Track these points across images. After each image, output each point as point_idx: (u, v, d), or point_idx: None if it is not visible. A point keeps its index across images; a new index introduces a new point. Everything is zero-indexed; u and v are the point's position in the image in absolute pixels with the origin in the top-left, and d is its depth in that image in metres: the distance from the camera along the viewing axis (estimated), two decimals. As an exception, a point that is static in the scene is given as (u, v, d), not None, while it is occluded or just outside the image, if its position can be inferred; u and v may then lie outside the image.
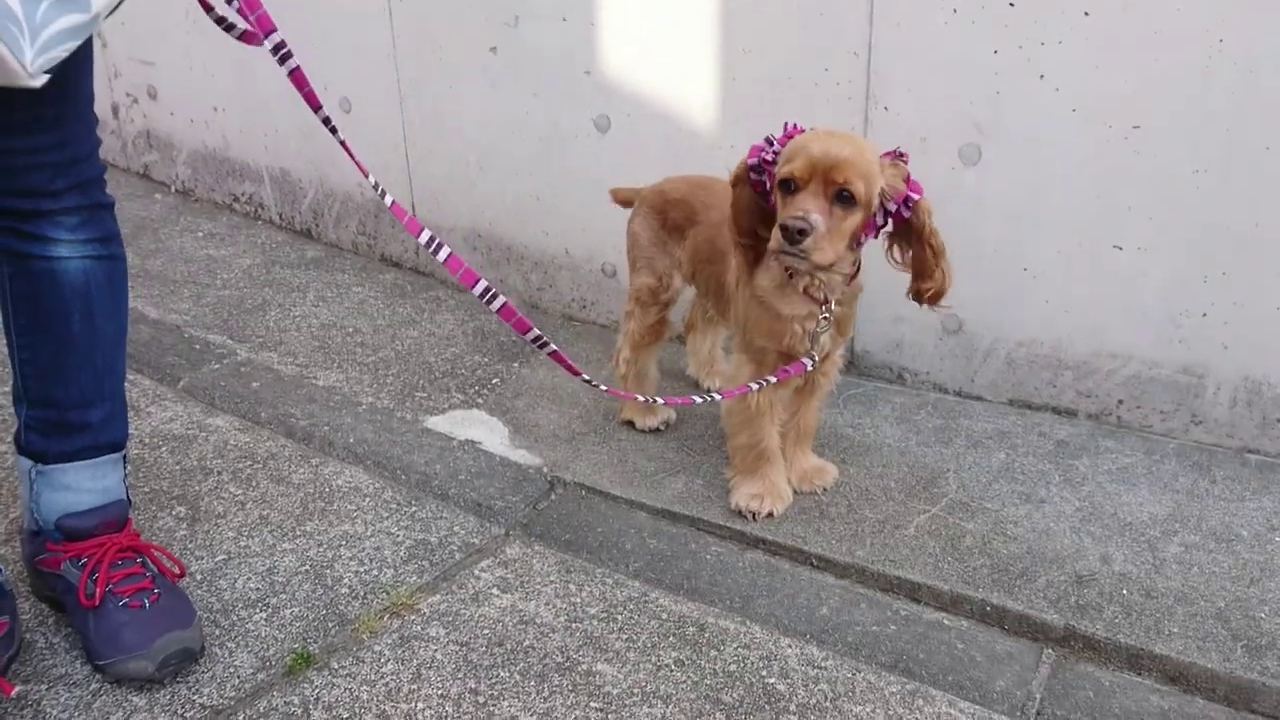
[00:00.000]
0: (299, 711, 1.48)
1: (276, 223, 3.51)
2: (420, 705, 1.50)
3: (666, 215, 2.13)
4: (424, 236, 1.54)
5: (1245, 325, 2.03)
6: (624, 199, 2.27)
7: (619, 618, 1.70)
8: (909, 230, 1.71)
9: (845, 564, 1.80)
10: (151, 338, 2.63)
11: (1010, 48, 2.06)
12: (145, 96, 3.69)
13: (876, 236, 1.76)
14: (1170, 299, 2.08)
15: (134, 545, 1.62)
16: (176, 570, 1.66)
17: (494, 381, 2.52)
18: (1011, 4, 2.03)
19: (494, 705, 1.50)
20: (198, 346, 2.60)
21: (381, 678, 1.55)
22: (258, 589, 1.74)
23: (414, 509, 2.00)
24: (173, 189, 3.78)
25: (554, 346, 1.61)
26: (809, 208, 1.61)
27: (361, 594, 1.74)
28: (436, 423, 2.31)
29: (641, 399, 1.90)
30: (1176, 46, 1.91)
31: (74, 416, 1.58)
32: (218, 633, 1.63)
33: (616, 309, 2.80)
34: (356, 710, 1.48)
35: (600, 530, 1.94)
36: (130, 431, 2.18)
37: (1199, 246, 2.02)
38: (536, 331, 1.58)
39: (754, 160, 1.74)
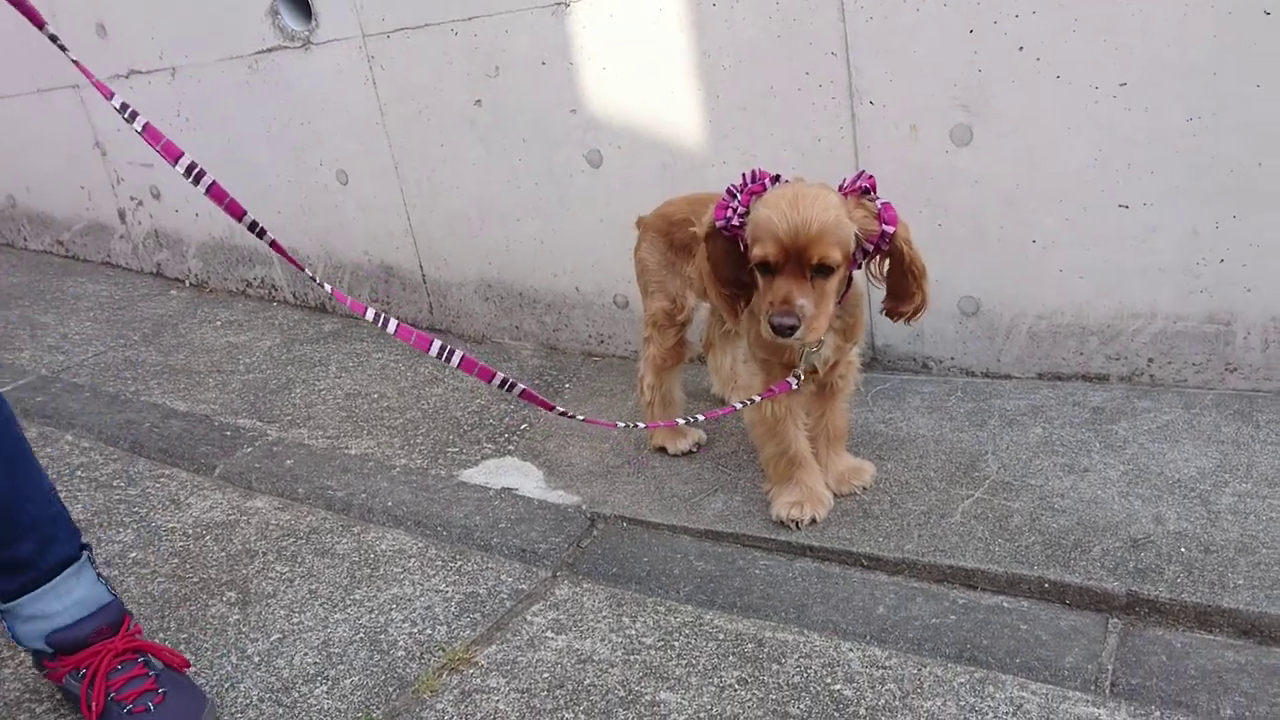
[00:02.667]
0: (370, 779, 1.48)
1: (291, 302, 3.56)
2: (489, 757, 1.49)
3: (671, 236, 2.14)
4: (369, 314, 1.56)
5: (1265, 265, 2.00)
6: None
7: (676, 644, 1.69)
8: (889, 254, 1.71)
9: (896, 560, 1.78)
10: (183, 430, 2.67)
11: (985, 24, 2.07)
12: (149, 197, 3.76)
13: (859, 267, 1.76)
14: (1185, 250, 2.06)
15: (132, 646, 1.61)
16: (180, 663, 1.65)
17: (523, 427, 2.52)
18: (980, -18, 2.04)
19: (563, 748, 1.49)
20: (229, 433, 2.63)
21: (448, 735, 1.55)
22: (315, 663, 1.75)
23: (459, 563, 2.00)
24: (187, 283, 3.84)
25: (522, 386, 1.62)
26: (793, 296, 1.60)
27: (418, 654, 1.74)
28: (471, 475, 2.31)
29: (622, 425, 1.89)
30: (1151, -1, 1.91)
31: (4, 559, 1.54)
32: (281, 712, 1.63)
33: (634, 340, 2.81)
34: (427, 771, 1.48)
35: (646, 560, 1.93)
36: (173, 525, 2.22)
37: (1205, 193, 2.00)
38: (501, 375, 1.59)
39: (721, 222, 1.72)
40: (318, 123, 3.14)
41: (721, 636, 1.69)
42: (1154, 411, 2.09)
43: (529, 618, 1.81)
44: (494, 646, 1.74)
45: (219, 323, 3.48)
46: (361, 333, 3.26)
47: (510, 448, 2.43)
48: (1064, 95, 2.04)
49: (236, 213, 1.47)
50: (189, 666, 1.69)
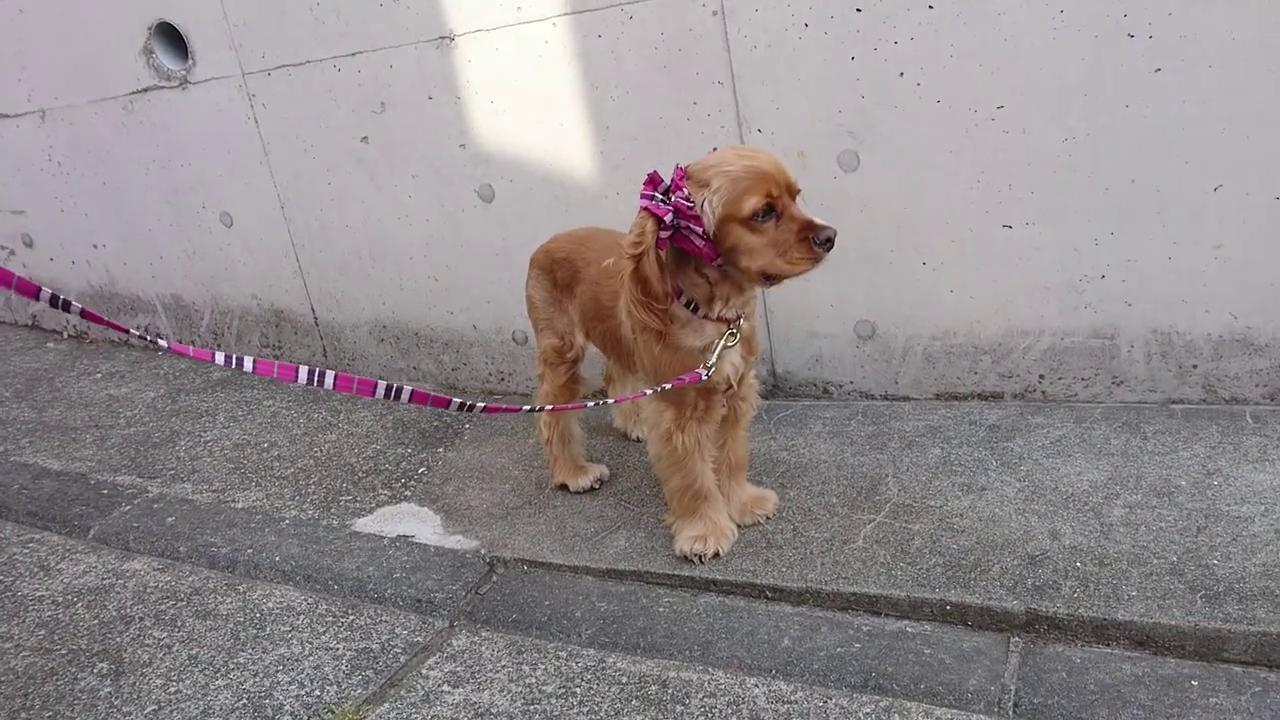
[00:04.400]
0: None
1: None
2: (379, 826, 1.40)
3: (555, 275, 2.10)
4: (301, 375, 1.49)
5: (1143, 280, 2.05)
6: None
7: (578, 690, 1.62)
8: None
9: (799, 590, 1.75)
10: (56, 490, 2.51)
11: (866, 51, 2.09)
12: (21, 246, 3.58)
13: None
14: (1067, 267, 2.10)
15: None
16: None
17: (420, 471, 2.44)
18: (859, 9, 2.06)
19: (458, 810, 1.41)
20: (105, 491, 2.48)
21: (335, 805, 1.45)
22: (193, 736, 1.63)
23: (351, 617, 1.91)
24: (65, 335, 3.65)
25: (482, 404, 1.61)
26: (810, 219, 1.63)
27: (304, 718, 1.64)
28: (365, 524, 2.22)
29: (527, 409, 1.84)
30: (1020, 24, 1.95)
31: None
32: (154, 791, 1.52)
33: (534, 375, 2.75)
34: (311, 846, 1.38)
35: (548, 603, 1.87)
36: (40, 593, 2.07)
37: (1083, 212, 2.05)
38: (458, 400, 1.55)
39: (668, 216, 1.64)
40: (199, 164, 3.02)
41: (625, 680, 1.63)
42: (1047, 427, 2.12)
43: (424, 671, 1.73)
44: (386, 705, 1.65)
45: (99, 375, 3.30)
46: (251, 380, 3.13)
47: (407, 493, 2.34)
48: (945, 119, 2.08)
49: (29, 291, 1.35)
50: None
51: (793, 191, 1.66)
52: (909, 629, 1.64)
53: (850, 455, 2.15)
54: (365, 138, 2.71)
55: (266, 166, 2.90)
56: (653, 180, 1.68)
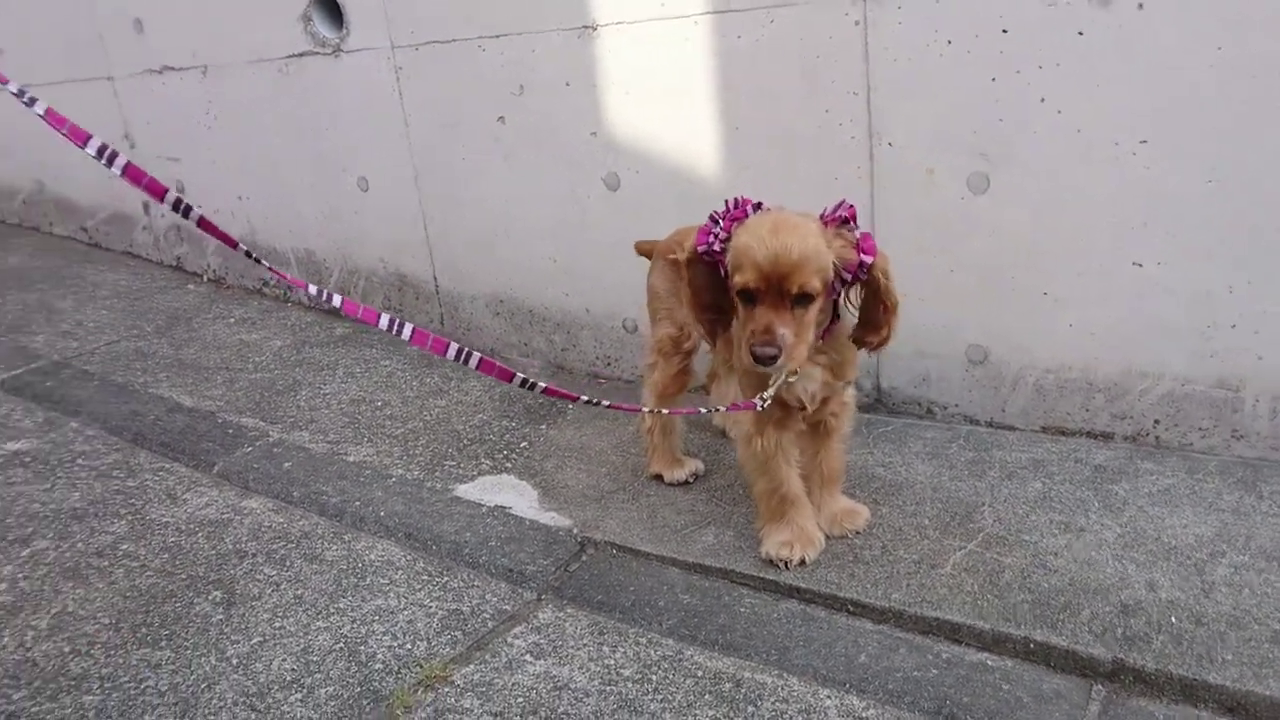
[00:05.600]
0: (335, 794, 1.47)
1: (305, 304, 3.58)
2: (456, 780, 1.48)
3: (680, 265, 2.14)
4: (383, 321, 1.58)
5: (1277, 333, 1.98)
6: (646, 251, 2.29)
7: (653, 678, 1.67)
8: (866, 284, 1.70)
9: (882, 608, 1.76)
10: (186, 425, 2.68)
11: (1008, 74, 2.06)
12: (174, 192, 3.80)
13: (838, 298, 1.74)
14: (1197, 313, 2.04)
15: None
16: None
17: (522, 445, 2.52)
18: (1005, 31, 2.03)
19: (530, 776, 1.48)
20: (231, 431, 2.64)
21: (416, 754, 1.54)
22: (293, 670, 1.74)
23: (446, 579, 2.00)
24: (204, 278, 3.87)
25: (543, 385, 1.72)
26: (774, 325, 1.60)
27: (395, 669, 1.73)
28: (466, 490, 2.31)
29: (585, 399, 1.85)
30: (1174, 58, 1.90)
31: None
32: (253, 717, 1.63)
33: (639, 364, 2.80)
34: (392, 789, 1.47)
35: (633, 589, 1.92)
36: (166, 519, 2.22)
37: (1221, 257, 1.98)
38: (521, 376, 1.67)
39: (703, 247, 1.72)
40: (342, 129, 3.16)
41: (700, 674, 1.67)
42: (1156, 474, 2.06)
43: (510, 640, 1.80)
44: (471, 666, 1.73)
45: (232, 320, 3.50)
46: (372, 339, 3.27)
47: (508, 465, 2.42)
48: (1084, 149, 2.03)
49: (157, 191, 1.48)
50: None
51: (784, 290, 1.59)
52: (989, 662, 1.64)
53: (948, 479, 2.13)
54: (502, 118, 2.79)
55: (406, 138, 3.02)
56: (730, 203, 1.73)
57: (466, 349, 1.62)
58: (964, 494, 2.07)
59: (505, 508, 2.22)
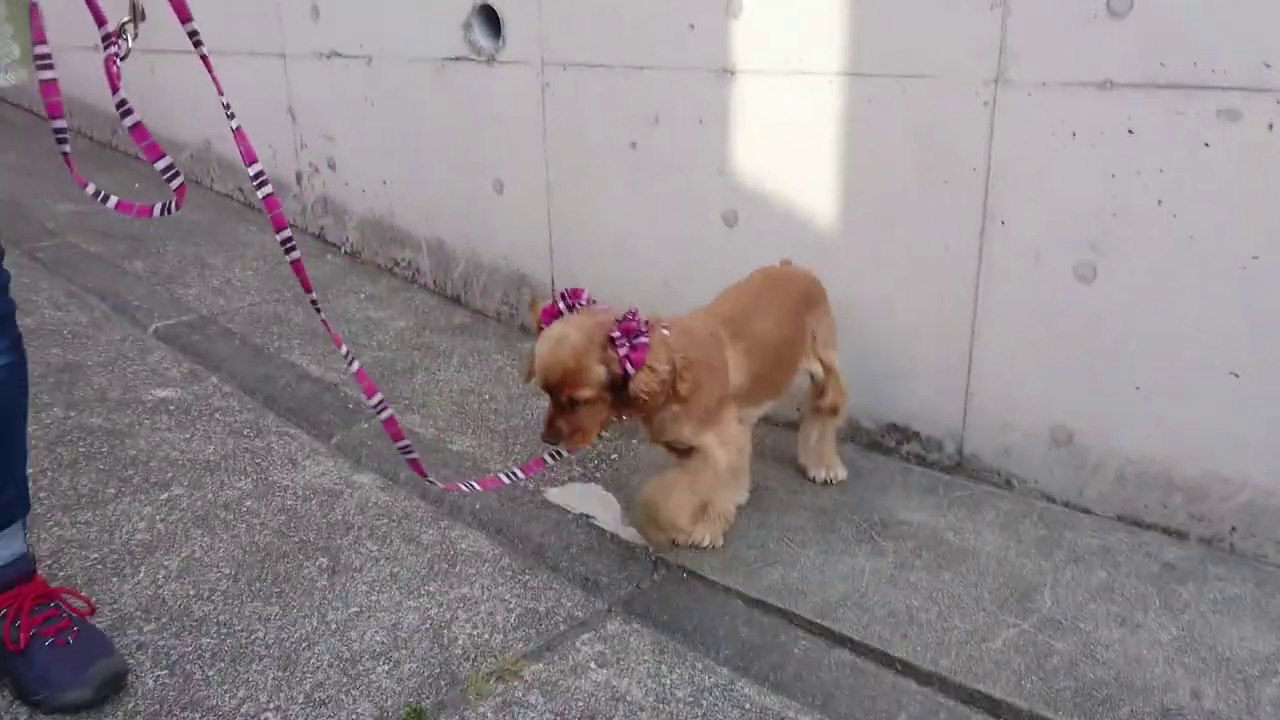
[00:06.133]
0: (408, 762, 1.65)
1: (430, 288, 3.82)
2: (514, 769, 1.64)
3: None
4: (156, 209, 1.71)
5: (1368, 463, 1.98)
6: None
7: (704, 703, 1.81)
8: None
9: (928, 672, 1.85)
10: (312, 394, 2.92)
11: (1128, 172, 2.10)
12: (325, 167, 4.08)
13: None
14: (1288, 430, 2.05)
15: (45, 592, 1.81)
16: (87, 608, 1.87)
17: (613, 456, 2.68)
18: (1130, 131, 2.08)
19: (580, 776, 1.63)
20: (350, 406, 2.87)
21: (482, 739, 1.71)
22: (383, 642, 1.94)
23: (527, 577, 2.17)
24: (343, 250, 4.15)
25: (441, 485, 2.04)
26: (553, 420, 1.99)
27: (473, 655, 1.91)
28: (556, 495, 2.48)
29: (465, 488, 2.13)
30: (1298, 182, 1.92)
31: None
32: (345, 681, 1.83)
33: (735, 392, 2.92)
34: (457, 767, 1.64)
35: (696, 614, 2.06)
36: (286, 483, 2.45)
37: (1320, 380, 1.99)
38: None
39: (546, 322, 2.04)
40: (485, 133, 3.36)
41: (748, 706, 1.80)
42: (1224, 581, 2.09)
43: (578, 645, 1.96)
44: (541, 664, 1.90)
45: (363, 295, 3.75)
46: (487, 331, 3.47)
47: (597, 475, 2.58)
48: (1194, 255, 2.06)
49: (251, 156, 1.68)
50: (94, 612, 1.89)
51: (557, 392, 1.95)
52: (1023, 741, 1.72)
53: (1014, 554, 2.20)
54: (634, 144, 2.94)
55: (542, 149, 3.20)
56: (566, 294, 2.06)
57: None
58: (1027, 571, 2.13)
59: (589, 517, 2.38)
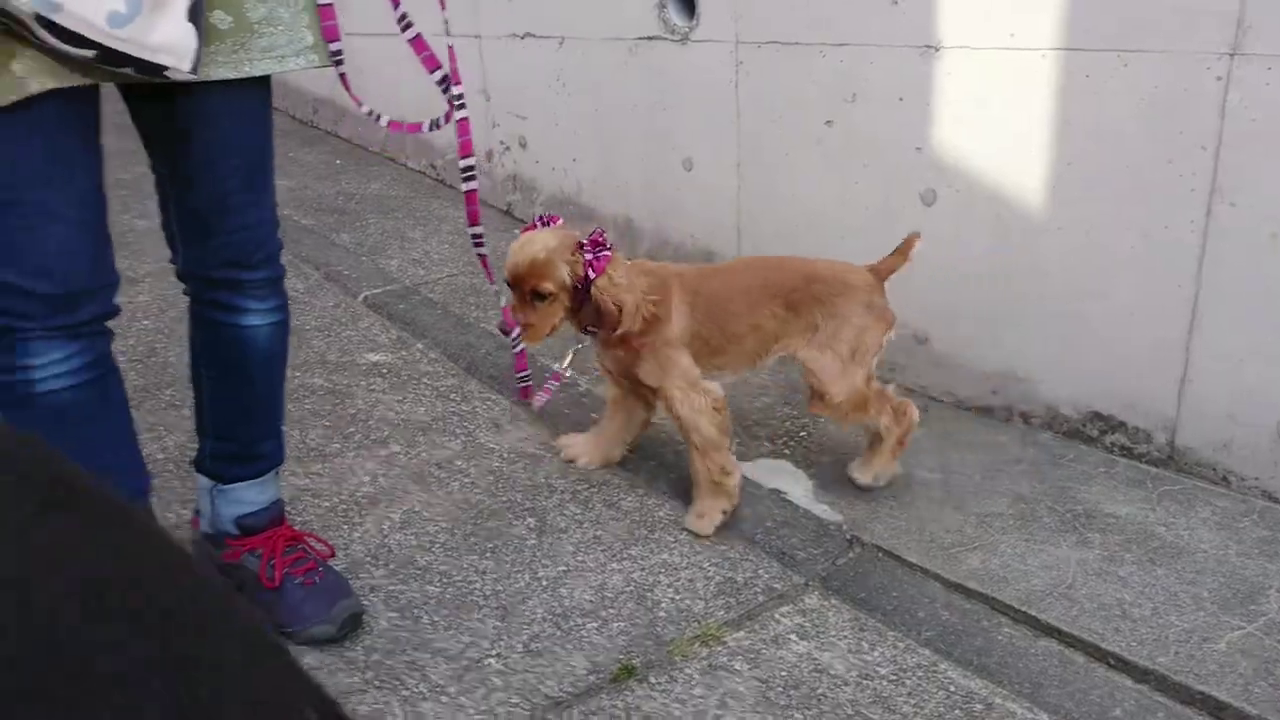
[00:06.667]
0: (622, 714, 1.74)
1: (614, 263, 3.91)
2: (723, 730, 1.70)
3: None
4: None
5: None
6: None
7: (908, 682, 1.82)
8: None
9: (1144, 668, 1.80)
10: (509, 364, 3.05)
11: (1385, 152, 1.96)
12: (516, 145, 4.23)
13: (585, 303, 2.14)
14: None
15: (294, 535, 1.98)
16: (328, 551, 2.01)
17: (801, 434, 2.70)
18: (1391, 108, 1.93)
19: (788, 742, 1.67)
20: (546, 375, 2.98)
21: (691, 699, 1.78)
22: (591, 601, 2.03)
23: (723, 548, 2.22)
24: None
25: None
26: (515, 310, 2.17)
27: (676, 619, 1.98)
28: (746, 469, 2.51)
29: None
30: None
31: (252, 449, 1.92)
32: (559, 634, 1.93)
33: (925, 376, 2.89)
34: (669, 723, 1.72)
35: (894, 594, 2.06)
36: (492, 445, 2.58)
37: None
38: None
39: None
40: (676, 112, 3.41)
41: (953, 689, 1.80)
42: None
43: (777, 616, 2.00)
44: (742, 632, 1.95)
45: (550, 269, 3.88)
46: (671, 307, 3.54)
47: (786, 452, 2.61)
48: None
49: (432, 66, 1.78)
50: (333, 555, 2.03)
51: (522, 284, 2.13)
52: (1250, 746, 1.65)
53: (1234, 554, 2.10)
54: (830, 121, 2.93)
55: (735, 128, 3.22)
56: (544, 220, 2.23)
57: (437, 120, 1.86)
58: (1250, 573, 2.04)
59: (781, 492, 2.41)
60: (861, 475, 2.39)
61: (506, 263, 2.15)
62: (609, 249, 2.14)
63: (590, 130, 3.81)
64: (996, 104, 2.53)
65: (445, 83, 1.76)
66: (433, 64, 1.74)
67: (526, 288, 2.13)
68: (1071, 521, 2.26)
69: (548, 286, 2.11)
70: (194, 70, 1.48)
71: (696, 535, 2.24)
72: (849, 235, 2.98)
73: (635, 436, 2.53)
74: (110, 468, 1.69)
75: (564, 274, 2.11)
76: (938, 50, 2.61)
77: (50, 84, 1.43)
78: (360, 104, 1.78)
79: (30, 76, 1.41)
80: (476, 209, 1.94)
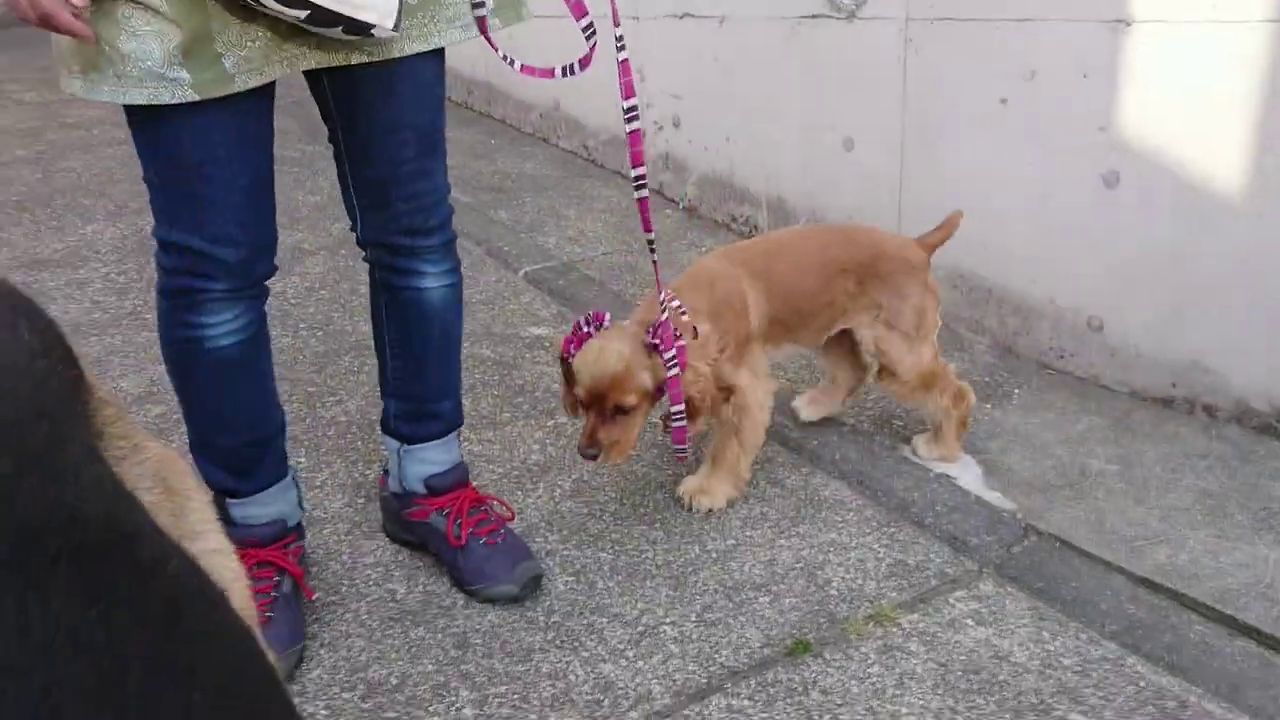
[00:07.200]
0: (799, 689, 1.75)
1: (767, 244, 3.90)
2: (903, 710, 1.70)
3: None
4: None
5: None
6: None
7: (1094, 674, 1.77)
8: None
9: (1355, 676, 1.70)
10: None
11: None
12: (670, 125, 4.26)
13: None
14: None
15: (478, 497, 2.05)
16: (509, 514, 2.07)
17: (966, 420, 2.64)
18: None
19: (970, 726, 1.66)
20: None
21: (869, 676, 1.77)
22: (761, 575, 2.05)
23: (892, 530, 2.20)
24: (681, 206, 4.32)
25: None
26: (595, 432, 1.98)
27: (848, 598, 1.98)
28: (912, 454, 2.48)
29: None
30: None
31: (432, 408, 2.00)
32: (730, 606, 1.96)
33: (1098, 363, 2.79)
34: (848, 700, 1.72)
35: (1074, 585, 2.00)
36: (654, 420, 2.62)
37: None
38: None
39: (566, 355, 2.03)
40: (838, 91, 3.37)
41: (1143, 684, 1.74)
42: None
43: (951, 601, 1.98)
44: (916, 615, 1.93)
45: (702, 249, 3.89)
46: (826, 288, 3.51)
47: (953, 437, 2.56)
48: None
49: (580, 14, 1.72)
50: (513, 519, 2.10)
51: (603, 401, 1.95)
52: None
53: None
54: (1004, 100, 2.84)
55: (900, 107, 3.16)
56: (583, 320, 2.07)
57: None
58: None
59: (951, 477, 2.37)
60: (927, 451, 2.43)
61: (583, 381, 1.97)
62: (679, 336, 1.97)
63: (746, 109, 3.80)
64: (1192, 81, 2.40)
65: (590, 29, 1.77)
66: (580, 11, 1.74)
67: (609, 404, 1.96)
68: (1267, 520, 2.15)
69: (631, 400, 1.96)
70: (396, 28, 1.55)
71: (696, 510, 2.25)
72: (1020, 219, 2.89)
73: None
74: (258, 408, 1.85)
75: (646, 381, 1.97)
76: (1129, 25, 2.50)
77: (253, 83, 1.57)
78: (496, 49, 1.80)
79: (238, 74, 1.54)
80: (640, 149, 1.91)
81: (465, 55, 5.64)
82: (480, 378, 2.84)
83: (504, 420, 2.62)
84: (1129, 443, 2.49)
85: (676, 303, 2.03)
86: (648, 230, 1.93)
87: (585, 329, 2.04)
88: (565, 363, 2.08)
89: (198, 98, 1.51)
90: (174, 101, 1.51)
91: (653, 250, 1.98)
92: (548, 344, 3.06)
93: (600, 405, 1.97)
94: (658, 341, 1.95)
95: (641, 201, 1.89)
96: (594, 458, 2.00)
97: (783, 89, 3.60)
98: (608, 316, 2.06)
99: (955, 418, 2.37)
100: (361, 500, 2.29)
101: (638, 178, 1.87)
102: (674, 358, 1.94)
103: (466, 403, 2.68)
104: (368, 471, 2.39)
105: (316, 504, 2.28)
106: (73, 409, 0.77)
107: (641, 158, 1.88)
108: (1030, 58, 2.75)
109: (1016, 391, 2.80)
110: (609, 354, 1.96)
